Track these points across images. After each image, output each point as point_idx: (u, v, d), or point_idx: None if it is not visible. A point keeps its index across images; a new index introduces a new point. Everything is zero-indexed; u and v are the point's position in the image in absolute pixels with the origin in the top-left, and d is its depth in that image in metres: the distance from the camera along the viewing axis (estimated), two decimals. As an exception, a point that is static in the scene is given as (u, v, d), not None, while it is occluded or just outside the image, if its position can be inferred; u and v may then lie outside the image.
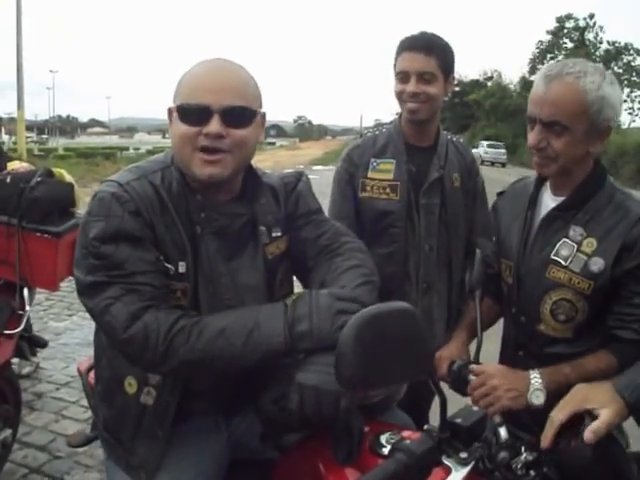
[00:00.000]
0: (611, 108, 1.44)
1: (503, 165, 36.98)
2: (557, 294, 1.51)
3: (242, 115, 1.29)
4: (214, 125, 1.25)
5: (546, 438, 1.11)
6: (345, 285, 1.32)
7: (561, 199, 1.56)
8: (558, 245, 1.52)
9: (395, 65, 2.04)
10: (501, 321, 1.84)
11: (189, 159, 1.28)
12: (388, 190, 2.04)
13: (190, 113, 1.26)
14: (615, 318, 1.47)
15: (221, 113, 1.25)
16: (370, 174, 2.06)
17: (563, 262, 1.50)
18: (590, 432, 1.05)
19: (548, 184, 1.61)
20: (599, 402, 1.09)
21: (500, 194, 1.81)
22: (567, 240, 1.51)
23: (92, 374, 1.65)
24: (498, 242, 1.75)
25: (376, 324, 0.95)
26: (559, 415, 1.12)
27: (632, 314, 1.44)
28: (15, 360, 3.25)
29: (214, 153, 1.27)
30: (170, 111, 1.33)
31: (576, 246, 1.49)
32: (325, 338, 1.19)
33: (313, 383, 1.14)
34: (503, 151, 38.86)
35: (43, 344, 3.11)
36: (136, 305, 1.21)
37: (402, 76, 1.99)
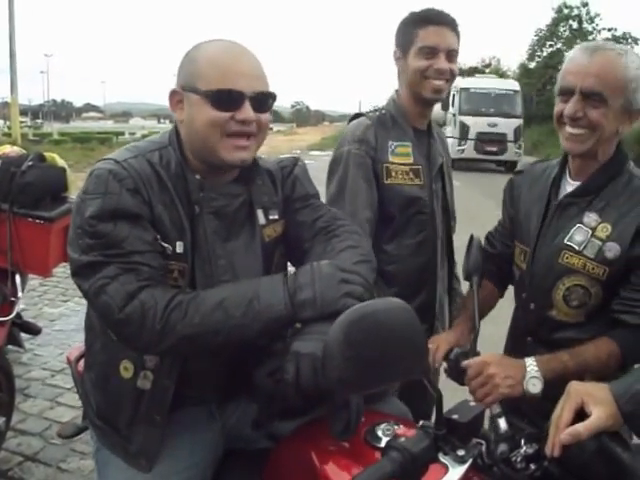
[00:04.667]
0: None
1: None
2: (571, 280, 1.49)
3: (268, 100, 1.32)
4: (248, 111, 1.26)
5: (555, 445, 1.00)
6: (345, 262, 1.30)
7: (578, 184, 1.53)
8: (572, 231, 1.50)
9: (412, 40, 1.85)
10: (503, 304, 1.82)
11: (216, 144, 1.28)
12: (412, 175, 1.91)
13: (222, 99, 1.25)
14: (621, 303, 1.44)
15: (252, 99, 1.27)
16: (391, 158, 1.90)
17: (577, 247, 1.48)
18: (567, 433, 0.99)
19: (568, 169, 1.57)
20: (594, 400, 1.02)
21: (517, 173, 1.77)
22: (582, 226, 1.48)
23: (81, 363, 1.62)
24: (512, 223, 1.71)
25: (366, 322, 0.91)
26: (564, 417, 1.02)
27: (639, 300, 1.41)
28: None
29: (244, 138, 1.28)
30: (175, 94, 1.31)
31: (590, 231, 1.47)
32: (329, 305, 1.17)
33: (309, 351, 1.12)
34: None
35: (36, 331, 3.08)
36: (133, 284, 1.19)
37: (428, 51, 1.82)
